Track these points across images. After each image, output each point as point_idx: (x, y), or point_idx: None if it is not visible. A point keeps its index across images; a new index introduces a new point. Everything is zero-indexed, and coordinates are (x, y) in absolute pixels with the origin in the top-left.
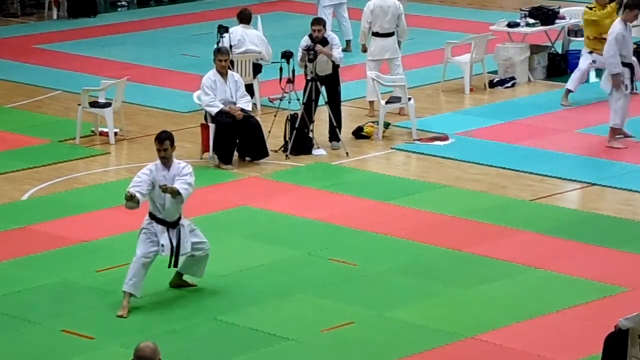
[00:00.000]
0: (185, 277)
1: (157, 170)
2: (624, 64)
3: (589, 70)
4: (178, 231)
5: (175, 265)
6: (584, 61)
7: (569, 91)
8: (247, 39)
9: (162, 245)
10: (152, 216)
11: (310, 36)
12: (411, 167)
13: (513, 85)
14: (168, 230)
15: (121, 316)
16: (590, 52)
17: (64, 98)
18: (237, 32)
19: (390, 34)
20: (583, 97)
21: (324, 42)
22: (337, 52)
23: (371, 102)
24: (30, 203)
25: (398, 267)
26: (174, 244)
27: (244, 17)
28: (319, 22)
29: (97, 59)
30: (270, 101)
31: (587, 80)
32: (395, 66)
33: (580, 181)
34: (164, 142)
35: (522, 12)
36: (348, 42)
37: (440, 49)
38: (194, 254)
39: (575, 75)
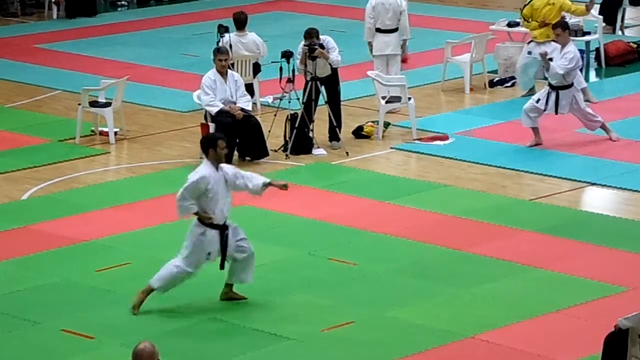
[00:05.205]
0: (235, 289)
1: (210, 175)
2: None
3: (534, 64)
4: (226, 234)
5: (222, 268)
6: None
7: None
8: (241, 47)
9: (209, 254)
10: (202, 221)
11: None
12: (411, 166)
13: (513, 84)
14: (221, 234)
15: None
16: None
17: (64, 98)
18: (232, 40)
19: (393, 30)
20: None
21: (320, 47)
22: (334, 55)
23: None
24: (30, 203)
25: (398, 266)
26: (220, 247)
27: (238, 23)
28: (310, 35)
29: (97, 58)
30: (272, 102)
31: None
32: (394, 63)
33: (580, 181)
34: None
35: None
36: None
37: (440, 48)
38: (235, 256)
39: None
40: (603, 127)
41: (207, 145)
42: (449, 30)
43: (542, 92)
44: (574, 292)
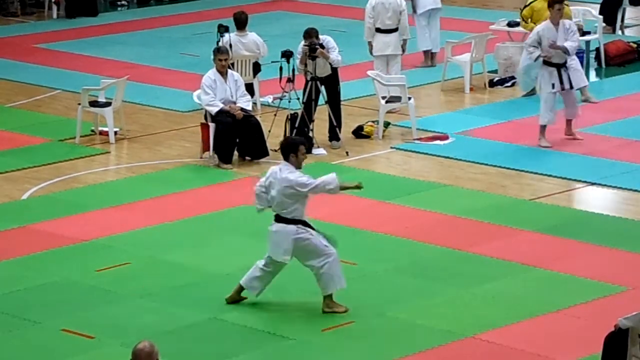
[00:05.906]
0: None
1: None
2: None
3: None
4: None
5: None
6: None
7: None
8: (242, 47)
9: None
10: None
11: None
12: (411, 166)
13: (513, 84)
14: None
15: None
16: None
17: (64, 97)
18: (232, 40)
19: (393, 30)
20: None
21: (320, 47)
22: (334, 55)
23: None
24: (30, 202)
25: (398, 266)
26: None
27: (239, 23)
28: (310, 35)
29: (97, 58)
30: (272, 101)
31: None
32: (394, 63)
33: (580, 181)
34: (302, 146)
35: None
36: (429, 52)
37: (440, 48)
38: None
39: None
40: (568, 122)
41: (289, 150)
42: (449, 30)
43: (548, 78)
44: (574, 292)
